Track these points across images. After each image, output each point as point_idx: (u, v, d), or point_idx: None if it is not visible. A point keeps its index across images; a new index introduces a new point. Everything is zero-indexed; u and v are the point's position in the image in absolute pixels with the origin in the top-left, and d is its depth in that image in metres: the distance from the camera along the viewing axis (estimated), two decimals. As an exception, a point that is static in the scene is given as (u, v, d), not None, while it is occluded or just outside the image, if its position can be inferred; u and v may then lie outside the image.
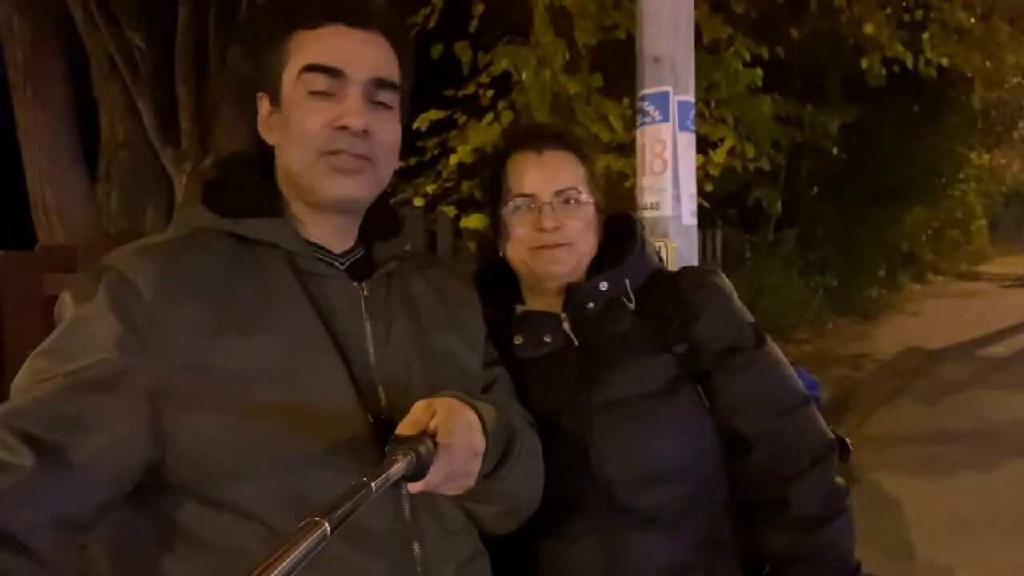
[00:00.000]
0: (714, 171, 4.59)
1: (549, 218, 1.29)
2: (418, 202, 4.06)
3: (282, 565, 0.63)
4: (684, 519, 1.27)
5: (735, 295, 1.39)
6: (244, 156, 1.11)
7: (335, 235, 1.09)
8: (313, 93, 1.00)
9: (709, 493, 1.31)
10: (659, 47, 2.06)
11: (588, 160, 1.37)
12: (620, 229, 1.39)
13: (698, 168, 4.66)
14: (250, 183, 1.07)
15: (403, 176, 4.67)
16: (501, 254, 1.37)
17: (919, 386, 7.35)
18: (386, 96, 1.04)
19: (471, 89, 4.25)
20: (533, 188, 1.30)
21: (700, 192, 4.76)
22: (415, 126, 4.22)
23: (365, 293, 1.06)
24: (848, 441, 1.36)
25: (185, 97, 4.42)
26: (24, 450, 0.82)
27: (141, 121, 4.62)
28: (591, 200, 1.33)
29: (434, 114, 4.02)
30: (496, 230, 1.36)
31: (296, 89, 1.01)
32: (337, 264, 1.08)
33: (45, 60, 4.38)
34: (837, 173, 12.06)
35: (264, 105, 1.06)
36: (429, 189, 4.19)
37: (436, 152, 4.42)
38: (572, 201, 1.31)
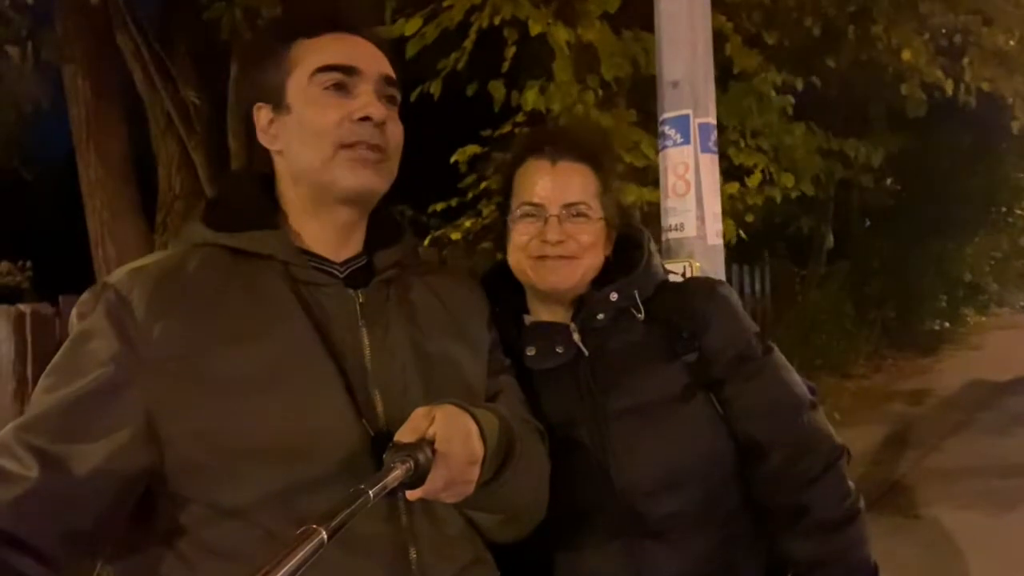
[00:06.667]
0: (753, 200, 4.56)
1: (554, 230, 1.27)
2: (455, 236, 4.15)
3: (280, 573, 0.65)
4: (701, 524, 1.27)
5: (741, 305, 1.39)
6: (242, 174, 1.16)
7: (337, 240, 1.11)
8: (328, 89, 1.05)
9: (724, 498, 1.31)
10: (677, 71, 2.10)
11: (603, 171, 1.34)
12: (627, 241, 1.38)
13: (737, 199, 4.65)
14: (246, 198, 1.11)
15: (445, 217, 4.78)
16: (504, 258, 1.36)
17: (985, 419, 7.08)
18: (394, 92, 1.11)
19: (507, 128, 4.34)
20: (542, 198, 1.28)
21: (740, 224, 4.74)
22: (453, 159, 4.35)
23: (360, 300, 1.07)
24: (846, 446, 1.34)
25: (236, 151, 4.61)
26: (31, 462, 0.88)
27: (196, 174, 4.84)
28: (601, 215, 1.31)
29: (472, 148, 4.13)
30: (503, 234, 1.35)
31: (309, 89, 1.05)
32: (336, 272, 1.09)
33: (106, 118, 4.62)
34: (890, 205, 11.82)
35: (264, 115, 1.10)
36: (467, 224, 4.28)
37: (477, 192, 4.52)
38: (580, 215, 1.29)
